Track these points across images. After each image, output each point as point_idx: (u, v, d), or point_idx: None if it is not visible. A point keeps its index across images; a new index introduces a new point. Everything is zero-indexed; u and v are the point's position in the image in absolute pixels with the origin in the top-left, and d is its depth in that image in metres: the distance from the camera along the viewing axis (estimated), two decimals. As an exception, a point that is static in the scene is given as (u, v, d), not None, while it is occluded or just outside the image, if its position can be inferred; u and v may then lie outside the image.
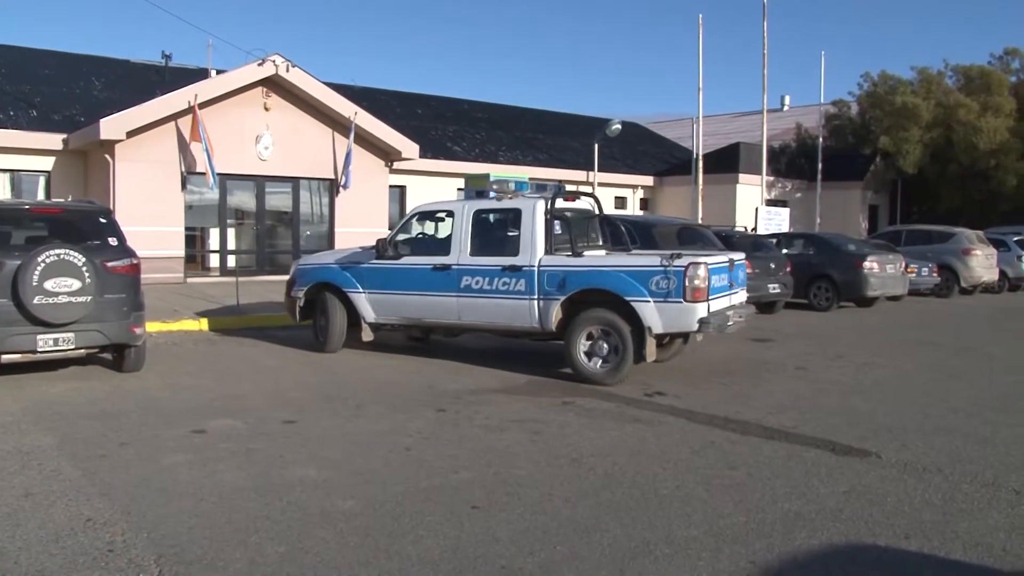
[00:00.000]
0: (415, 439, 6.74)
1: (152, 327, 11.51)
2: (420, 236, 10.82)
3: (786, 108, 47.32)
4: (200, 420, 7.24)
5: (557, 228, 9.64)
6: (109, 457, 6.13)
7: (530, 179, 22.50)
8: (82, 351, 8.91)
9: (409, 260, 10.23)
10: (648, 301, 8.71)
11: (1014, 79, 32.87)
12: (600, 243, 10.68)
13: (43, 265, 8.27)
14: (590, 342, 9.07)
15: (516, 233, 9.59)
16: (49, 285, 8.30)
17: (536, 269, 9.34)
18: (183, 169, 18.75)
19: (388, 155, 21.81)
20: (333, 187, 21.04)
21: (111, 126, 17.46)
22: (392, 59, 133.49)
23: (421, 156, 22.58)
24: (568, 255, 9.41)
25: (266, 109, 19.89)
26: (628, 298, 8.80)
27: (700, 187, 26.24)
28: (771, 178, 29.69)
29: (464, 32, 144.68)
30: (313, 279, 10.98)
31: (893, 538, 4.77)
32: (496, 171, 22.39)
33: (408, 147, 21.74)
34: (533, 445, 6.61)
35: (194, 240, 20.06)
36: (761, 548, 4.59)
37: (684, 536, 4.74)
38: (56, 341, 8.52)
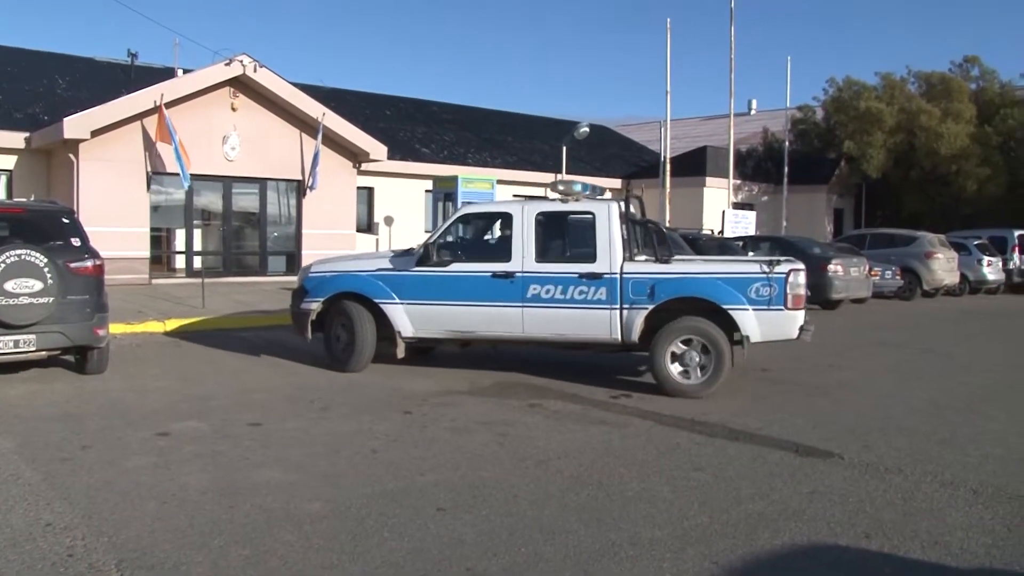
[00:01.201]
0: (381, 441, 6.73)
1: (116, 329, 11.38)
2: (463, 240, 9.98)
3: (753, 112, 47.72)
4: (164, 422, 7.17)
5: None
6: (70, 460, 6.06)
7: (497, 181, 22.67)
8: (44, 353, 8.78)
9: (460, 267, 9.26)
10: (747, 309, 8.42)
11: (974, 86, 33.46)
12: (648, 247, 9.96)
13: (3, 265, 8.15)
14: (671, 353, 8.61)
15: (591, 238, 8.93)
16: (9, 286, 8.18)
17: (619, 277, 8.72)
18: (149, 169, 18.53)
19: (356, 156, 21.72)
20: (300, 188, 20.91)
21: (75, 125, 17.23)
22: (361, 60, 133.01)
23: (389, 157, 22.50)
24: (652, 261, 9.06)
25: (233, 109, 19.73)
26: (726, 306, 8.45)
27: (668, 190, 26.40)
28: (738, 181, 29.95)
29: (433, 34, 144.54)
30: (334, 289, 9.67)
31: (854, 538, 4.84)
32: (465, 173, 22.52)
33: (376, 148, 21.67)
34: (500, 447, 6.62)
35: (160, 241, 19.85)
36: (724, 548, 4.63)
37: (649, 537, 4.77)
38: (17, 343, 8.40)
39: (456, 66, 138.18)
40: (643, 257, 9.22)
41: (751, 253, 17.81)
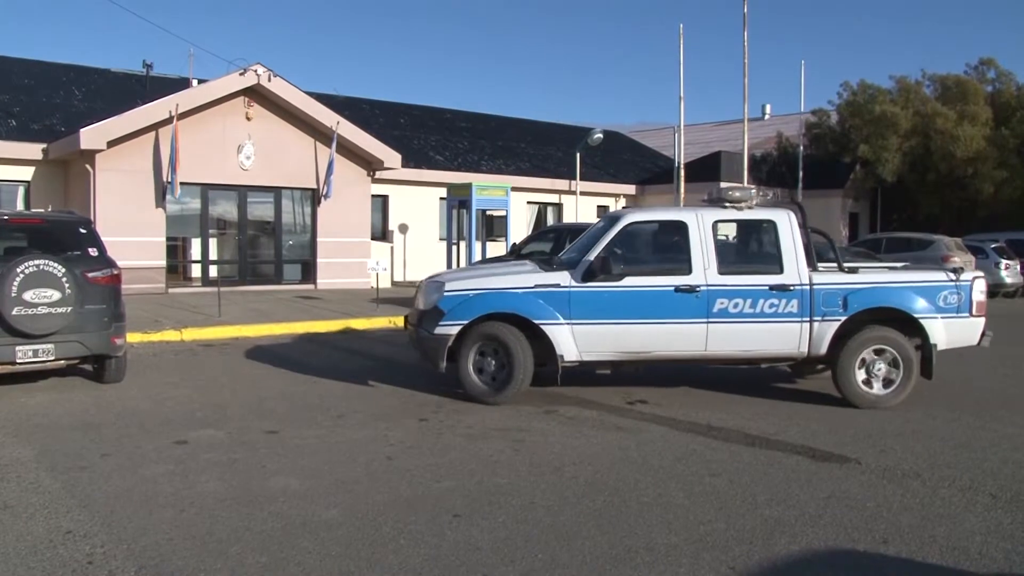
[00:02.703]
0: (397, 448, 6.74)
1: (133, 338, 11.48)
2: (630, 252, 8.93)
3: (767, 117, 47.59)
4: (181, 431, 7.21)
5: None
6: (89, 469, 6.10)
7: (512, 188, 22.69)
8: (62, 362, 8.86)
9: (635, 282, 8.43)
10: (936, 317, 8.38)
11: (990, 88, 33.25)
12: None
13: (22, 276, 8.22)
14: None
15: (773, 247, 8.60)
16: (28, 296, 8.25)
17: (809, 288, 8.41)
18: (164, 179, 18.67)
19: (370, 164, 21.80)
20: (315, 197, 21.01)
21: (92, 136, 17.37)
22: (375, 68, 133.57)
23: (403, 165, 22.58)
24: (836, 271, 8.87)
25: (248, 119, 19.86)
26: (917, 315, 8.37)
27: (682, 195, 26.36)
28: (752, 186, 29.84)
29: (447, 43, 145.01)
30: (483, 309, 8.45)
31: (872, 543, 4.82)
32: (479, 180, 22.52)
33: (390, 156, 21.74)
34: (515, 454, 6.62)
35: (176, 250, 19.99)
36: (741, 554, 4.62)
37: (665, 543, 4.77)
38: (36, 352, 8.47)
39: (470, 74, 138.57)
40: (825, 266, 8.97)
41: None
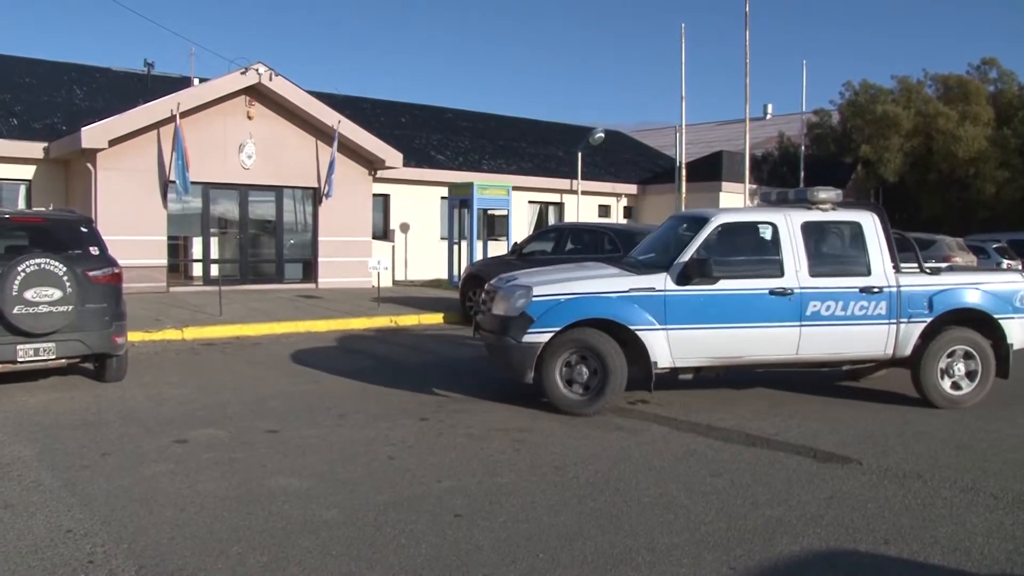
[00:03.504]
0: (398, 448, 6.74)
1: (134, 337, 11.49)
2: (720, 254, 8.40)
3: (768, 117, 47.59)
4: (182, 430, 7.21)
5: None
6: (90, 468, 6.10)
7: (513, 187, 22.69)
8: (63, 361, 8.85)
9: (729, 285, 8.20)
10: (1013, 318, 8.55)
11: (992, 88, 33.24)
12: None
13: (23, 275, 8.22)
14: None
15: (859, 249, 8.57)
16: (29, 295, 8.25)
17: (896, 289, 8.43)
18: (165, 178, 18.67)
19: (372, 164, 21.80)
20: (316, 196, 21.00)
21: (93, 135, 17.36)
22: (376, 68, 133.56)
23: (405, 165, 22.56)
24: (919, 272, 8.90)
25: (249, 118, 19.85)
26: (997, 316, 8.52)
27: (683, 195, 26.32)
28: (754, 186, 29.80)
29: (448, 41, 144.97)
30: (576, 315, 8.02)
31: (873, 543, 4.82)
32: (480, 179, 22.54)
33: (392, 156, 21.74)
34: (516, 453, 6.62)
35: (177, 249, 19.98)
36: (742, 554, 4.61)
37: (666, 543, 4.76)
38: (37, 351, 8.47)
39: (471, 73, 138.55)
40: (907, 268, 8.98)
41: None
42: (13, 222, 9.52)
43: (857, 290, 8.38)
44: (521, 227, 25.30)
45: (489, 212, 22.48)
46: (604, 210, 30.01)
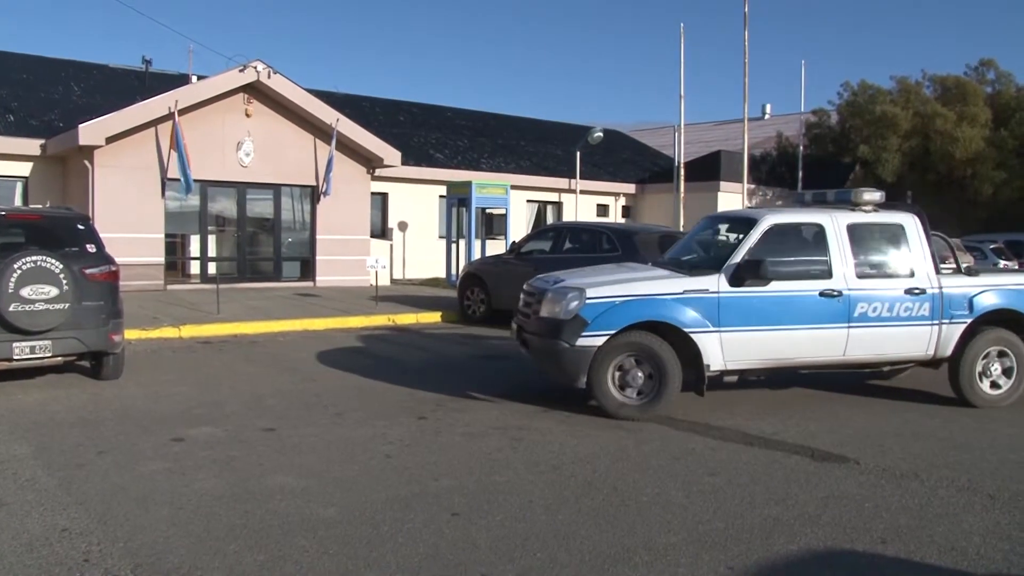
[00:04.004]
0: (395, 446, 6.73)
1: (131, 334, 11.47)
2: (768, 255, 8.21)
3: (767, 117, 47.61)
4: (179, 428, 7.20)
5: None
6: (86, 466, 6.09)
7: (511, 186, 22.69)
8: (60, 359, 8.84)
9: (780, 287, 8.13)
10: None
11: (989, 89, 33.29)
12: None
13: (20, 272, 8.21)
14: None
15: (902, 250, 8.62)
16: (26, 292, 8.23)
17: (939, 291, 8.50)
18: (163, 175, 18.64)
19: (370, 162, 21.78)
20: (315, 194, 20.98)
21: (90, 132, 17.34)
22: (375, 66, 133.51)
23: (403, 163, 22.55)
24: (957, 274, 8.99)
25: (247, 115, 19.83)
26: None
27: (682, 195, 26.36)
28: (752, 186, 29.85)
29: (447, 41, 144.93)
30: (632, 317, 7.85)
31: (870, 543, 4.81)
32: (478, 178, 22.53)
33: (390, 154, 21.72)
34: (514, 452, 6.61)
35: (174, 247, 19.95)
36: (740, 554, 4.61)
37: (664, 542, 4.76)
38: (33, 349, 8.45)
39: (469, 72, 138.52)
40: (947, 269, 9.08)
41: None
42: (9, 219, 9.49)
43: (902, 291, 8.44)
44: (519, 226, 25.29)
45: (487, 211, 22.46)
46: (602, 209, 30.00)
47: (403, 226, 24.80)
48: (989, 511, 5.38)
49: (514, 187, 23.84)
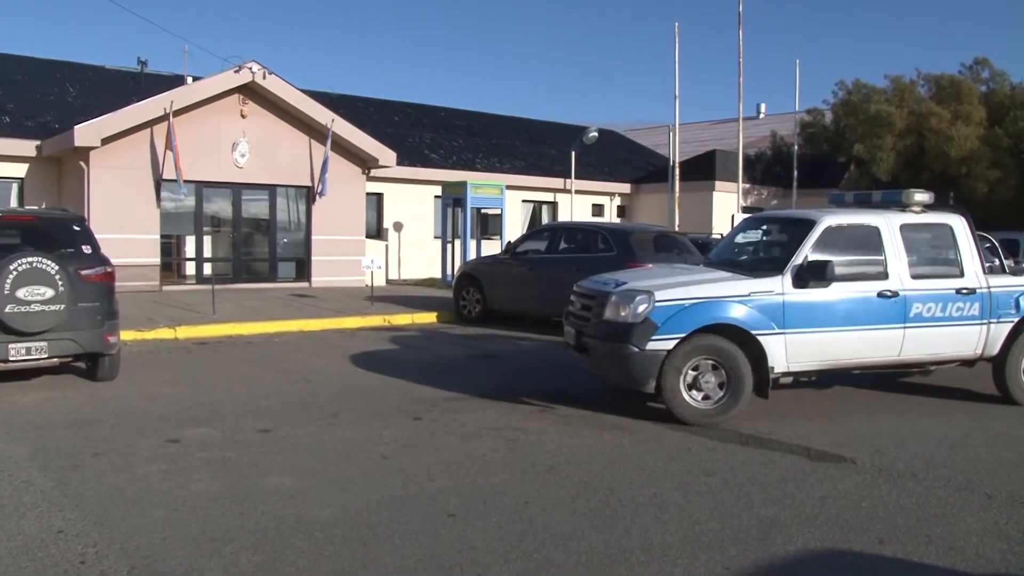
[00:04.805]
0: (391, 447, 6.72)
1: (127, 336, 11.44)
2: (824, 257, 8.15)
3: (762, 116, 47.64)
4: (175, 429, 7.18)
5: None
6: (82, 467, 6.07)
7: (506, 186, 22.68)
8: (55, 360, 8.82)
9: (840, 288, 8.12)
10: None
11: (984, 88, 33.31)
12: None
13: (15, 273, 8.19)
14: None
15: (951, 251, 8.73)
16: (21, 293, 8.21)
17: (988, 290, 8.63)
18: (158, 176, 18.61)
19: (365, 162, 21.76)
20: (310, 194, 20.95)
21: (86, 133, 17.31)
22: (370, 67, 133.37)
23: (398, 164, 22.53)
24: (1002, 273, 9.15)
25: (243, 116, 19.80)
26: None
27: (677, 194, 26.36)
28: (747, 185, 29.89)
29: (442, 40, 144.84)
30: (702, 320, 7.71)
31: (868, 543, 4.81)
32: (473, 178, 22.54)
33: (385, 155, 21.70)
34: (510, 453, 6.61)
35: (170, 248, 19.91)
36: (737, 554, 4.61)
37: (660, 543, 4.76)
38: (28, 350, 8.43)
39: (464, 72, 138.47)
40: (991, 268, 9.18)
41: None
42: (5, 221, 9.47)
43: (953, 291, 8.52)
44: (515, 226, 25.30)
45: (483, 211, 22.46)
46: (598, 209, 30.02)
47: (398, 226, 24.79)
48: (987, 511, 5.38)
49: (509, 187, 23.84)
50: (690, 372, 7.73)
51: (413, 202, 25.01)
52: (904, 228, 8.57)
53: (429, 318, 15.59)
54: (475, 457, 6.47)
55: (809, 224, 8.39)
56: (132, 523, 4.96)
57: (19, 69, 23.79)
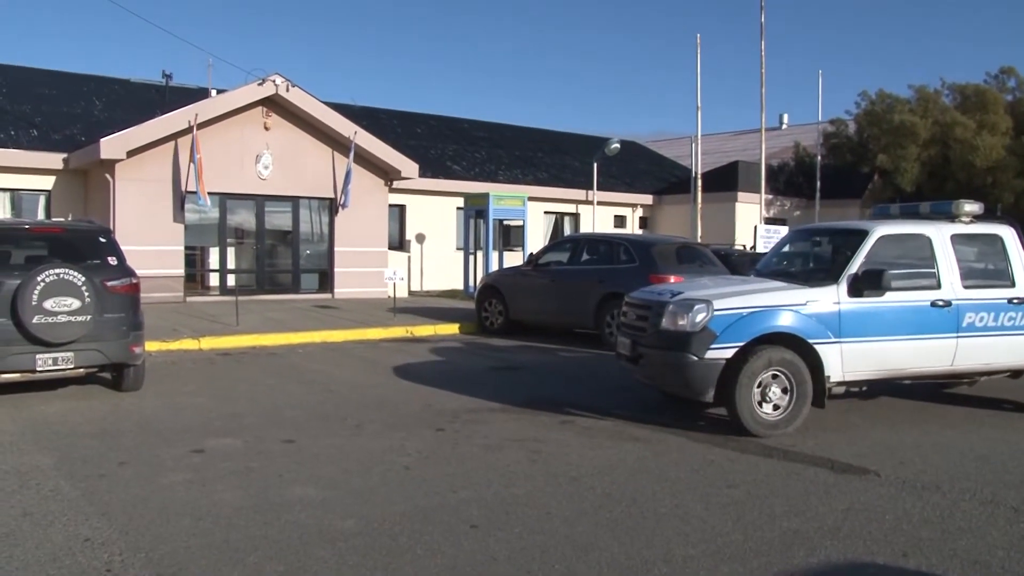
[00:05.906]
0: (414, 458, 6.74)
1: (151, 346, 11.55)
2: (878, 266, 8.15)
3: (784, 127, 47.43)
4: (199, 439, 7.24)
5: None
6: (107, 477, 6.13)
7: (528, 198, 22.71)
8: (81, 371, 8.91)
9: (894, 297, 8.08)
10: None
11: (1010, 97, 33.02)
12: None
13: (43, 284, 8.29)
14: None
15: (1001, 261, 8.74)
16: (48, 304, 8.31)
17: None
18: (183, 188, 18.79)
19: (388, 174, 21.87)
20: (333, 206, 21.07)
21: (111, 145, 17.51)
22: (392, 79, 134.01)
23: (421, 175, 22.63)
24: None
25: (266, 128, 19.97)
26: None
27: (699, 205, 26.28)
28: (770, 196, 29.77)
29: (464, 52, 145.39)
30: (760, 329, 7.70)
31: (891, 556, 4.77)
32: (496, 190, 22.59)
33: (408, 166, 21.80)
34: (532, 464, 6.61)
35: (194, 259, 20.07)
36: (759, 566, 4.58)
37: (682, 555, 4.74)
38: (55, 360, 8.53)
39: (487, 84, 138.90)
40: None
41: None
42: (33, 232, 9.60)
43: (1005, 301, 8.52)
44: (537, 237, 25.32)
45: (505, 222, 22.52)
46: (620, 220, 29.99)
47: (421, 238, 24.87)
48: (1014, 524, 5.32)
49: (531, 198, 23.89)
50: (759, 384, 7.66)
51: (435, 214, 25.09)
52: (955, 238, 8.57)
53: (451, 329, 15.63)
54: (497, 468, 6.47)
55: (863, 234, 8.40)
56: (157, 532, 5.00)
57: (46, 83, 24.13)
